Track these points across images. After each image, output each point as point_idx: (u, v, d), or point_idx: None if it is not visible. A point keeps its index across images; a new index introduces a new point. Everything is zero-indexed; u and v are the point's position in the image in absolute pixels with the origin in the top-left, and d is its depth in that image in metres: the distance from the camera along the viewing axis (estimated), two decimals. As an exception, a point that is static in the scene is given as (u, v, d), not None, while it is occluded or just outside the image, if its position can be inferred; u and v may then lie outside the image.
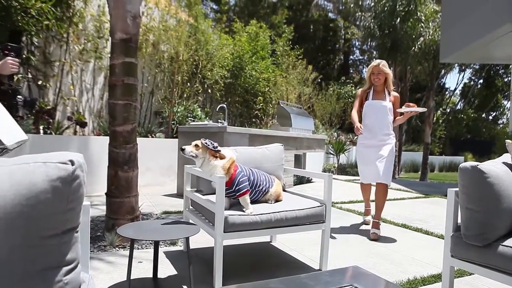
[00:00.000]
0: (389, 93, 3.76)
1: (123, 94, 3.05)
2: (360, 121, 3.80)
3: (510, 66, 8.03)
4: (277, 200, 2.63)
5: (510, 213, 1.80)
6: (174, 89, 7.88)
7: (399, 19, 11.76)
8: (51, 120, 5.42)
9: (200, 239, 3.08)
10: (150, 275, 2.34)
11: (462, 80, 28.35)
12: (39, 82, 5.69)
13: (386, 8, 12.01)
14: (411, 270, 2.66)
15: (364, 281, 1.47)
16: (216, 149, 2.41)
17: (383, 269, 2.68)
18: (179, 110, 7.65)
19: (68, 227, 0.92)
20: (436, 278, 2.48)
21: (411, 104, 3.69)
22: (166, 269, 2.50)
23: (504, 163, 1.96)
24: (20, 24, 4.90)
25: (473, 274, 2.46)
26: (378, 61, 3.78)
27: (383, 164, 3.54)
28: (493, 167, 1.82)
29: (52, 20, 5.31)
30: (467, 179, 1.81)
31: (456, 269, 2.23)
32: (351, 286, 1.38)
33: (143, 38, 7.31)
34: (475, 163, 1.79)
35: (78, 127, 6.05)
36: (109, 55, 3.17)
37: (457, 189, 1.92)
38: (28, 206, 0.83)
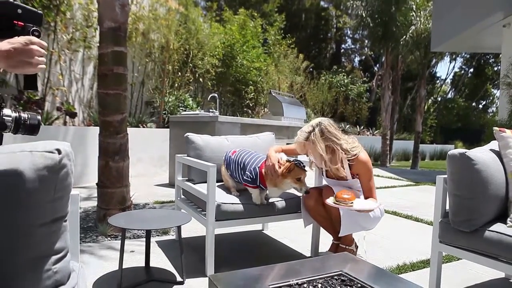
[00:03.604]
0: (349, 164, 2.38)
1: (113, 84, 3.02)
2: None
3: (500, 55, 8.08)
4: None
5: (497, 199, 1.83)
6: (165, 79, 7.81)
7: (393, 7, 11.73)
8: (40, 111, 5.35)
9: (192, 228, 3.09)
10: (142, 264, 2.35)
11: (453, 69, 28.53)
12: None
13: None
14: (400, 256, 2.71)
15: (353, 267, 1.49)
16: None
17: (373, 255, 2.71)
18: (170, 100, 7.60)
19: (57, 216, 0.91)
20: (425, 263, 2.53)
21: (343, 195, 2.15)
22: (158, 258, 2.51)
23: (491, 150, 1.98)
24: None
25: (461, 259, 2.52)
26: (306, 129, 2.37)
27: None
28: (480, 154, 1.84)
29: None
30: (455, 166, 1.83)
31: (445, 254, 2.27)
32: (341, 272, 1.40)
33: (133, 27, 7.20)
34: (463, 150, 1.81)
35: (68, 117, 5.98)
36: (98, 45, 3.12)
37: (445, 176, 1.94)
38: (15, 195, 0.82)
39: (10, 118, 1.19)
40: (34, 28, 1.17)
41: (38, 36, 1.16)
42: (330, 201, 2.19)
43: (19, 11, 1.16)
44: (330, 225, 2.44)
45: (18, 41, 1.06)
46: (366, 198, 2.36)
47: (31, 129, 1.25)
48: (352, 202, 2.15)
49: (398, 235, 3.27)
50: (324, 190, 2.37)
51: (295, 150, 2.55)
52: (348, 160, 2.37)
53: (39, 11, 1.24)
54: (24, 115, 1.22)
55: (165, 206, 4.02)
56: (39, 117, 1.26)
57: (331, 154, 2.34)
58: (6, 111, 1.20)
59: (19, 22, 1.16)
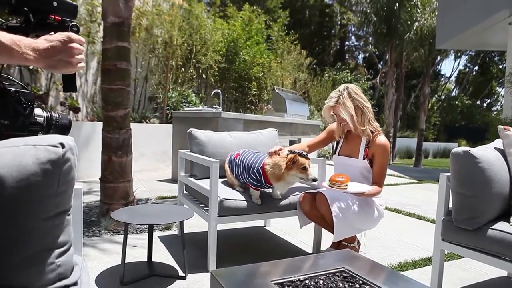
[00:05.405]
0: (367, 142, 2.42)
1: (116, 79, 3.02)
2: None
3: (505, 53, 8.02)
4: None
5: (500, 198, 1.83)
6: (168, 74, 7.80)
7: (397, 4, 11.66)
8: (43, 106, 5.36)
9: (195, 224, 3.10)
10: (145, 259, 2.36)
11: (458, 67, 28.41)
12: (30, 67, 5.61)
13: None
14: (402, 254, 2.70)
15: (355, 264, 1.49)
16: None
17: (375, 252, 2.72)
18: (173, 95, 7.60)
19: (60, 210, 0.92)
20: (427, 261, 2.52)
21: (337, 178, 2.16)
22: (161, 253, 2.52)
23: (495, 148, 1.97)
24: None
25: (463, 257, 2.51)
26: (334, 94, 2.44)
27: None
28: (484, 152, 1.83)
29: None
30: (459, 164, 1.82)
31: (447, 252, 2.27)
32: (342, 269, 1.40)
33: (136, 22, 7.20)
34: (467, 148, 1.80)
35: (71, 112, 6.00)
36: (101, 40, 3.12)
37: (449, 174, 1.94)
38: (19, 188, 0.82)
39: (42, 118, 1.12)
40: (73, 23, 1.06)
41: (77, 32, 1.05)
42: (325, 184, 2.20)
43: (55, 4, 1.05)
44: (328, 225, 2.43)
45: (56, 38, 0.96)
46: (373, 183, 2.32)
47: (62, 130, 1.17)
48: (346, 185, 2.15)
49: (400, 232, 3.27)
50: (317, 195, 2.35)
51: (320, 143, 2.68)
52: (368, 137, 2.42)
53: (73, 2, 1.10)
54: (55, 114, 1.16)
55: (168, 201, 4.03)
56: (69, 117, 1.20)
57: (359, 114, 2.41)
58: (38, 110, 1.12)
59: (56, 17, 1.05)
